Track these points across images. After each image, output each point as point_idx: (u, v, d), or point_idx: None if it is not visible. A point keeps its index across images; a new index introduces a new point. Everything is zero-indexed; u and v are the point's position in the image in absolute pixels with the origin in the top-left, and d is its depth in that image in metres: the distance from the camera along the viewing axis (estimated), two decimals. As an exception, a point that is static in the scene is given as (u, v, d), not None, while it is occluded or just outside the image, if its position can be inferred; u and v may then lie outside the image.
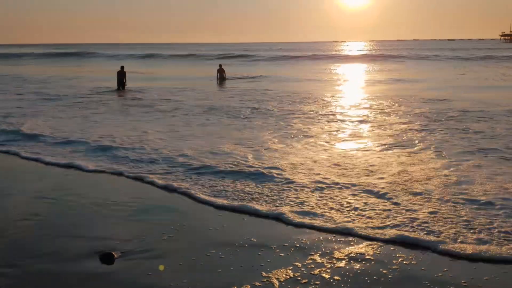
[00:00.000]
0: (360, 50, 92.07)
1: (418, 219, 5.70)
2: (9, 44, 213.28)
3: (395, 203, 6.23)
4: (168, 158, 8.74)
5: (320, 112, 14.45)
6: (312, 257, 4.80)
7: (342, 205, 6.24)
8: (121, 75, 22.87)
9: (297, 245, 5.09)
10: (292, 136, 10.83)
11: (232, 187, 7.08)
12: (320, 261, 4.71)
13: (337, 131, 11.53)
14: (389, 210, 6.03)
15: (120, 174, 8.02)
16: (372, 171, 7.74)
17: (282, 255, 4.87)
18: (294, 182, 7.20)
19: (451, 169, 7.79)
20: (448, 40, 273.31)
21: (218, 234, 5.47)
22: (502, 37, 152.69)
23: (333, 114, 14.05)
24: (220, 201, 6.52)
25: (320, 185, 7.04)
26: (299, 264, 4.64)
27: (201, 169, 7.99)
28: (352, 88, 23.01)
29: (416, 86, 22.65)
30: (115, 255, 4.79)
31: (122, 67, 23.40)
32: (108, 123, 12.95)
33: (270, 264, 4.65)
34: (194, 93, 20.74)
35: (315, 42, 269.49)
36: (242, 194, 6.74)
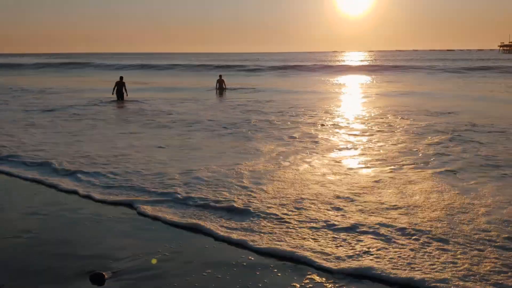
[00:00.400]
0: (361, 60, 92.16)
1: (447, 266, 4.75)
2: (9, 54, 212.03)
3: (415, 244, 5.30)
4: (156, 182, 7.96)
5: (324, 127, 13.95)
6: (310, 276, 4.63)
7: (348, 244, 5.39)
8: (120, 85, 22.76)
9: (295, 265, 4.92)
10: (297, 153, 10.19)
11: (225, 219, 6.26)
12: (319, 281, 4.54)
13: (343, 148, 10.89)
14: (411, 256, 5.02)
15: (88, 197, 7.72)
16: (383, 202, 6.78)
17: (280, 275, 4.69)
18: (298, 213, 6.44)
19: (473, 195, 7.01)
20: (448, 50, 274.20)
21: (213, 254, 5.28)
22: (501, 48, 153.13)
23: (338, 129, 13.63)
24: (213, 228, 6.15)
25: (323, 219, 6.18)
26: (298, 285, 4.47)
27: (188, 200, 7.02)
28: (356, 101, 22.63)
29: (421, 99, 22.24)
30: (105, 275, 4.61)
31: (121, 78, 23.34)
32: (100, 138, 12.76)
33: (268, 284, 4.48)
34: (194, 104, 20.59)
35: (315, 52, 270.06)
36: (234, 225, 6.04)
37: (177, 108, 18.98)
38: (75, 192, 7.66)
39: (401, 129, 13.25)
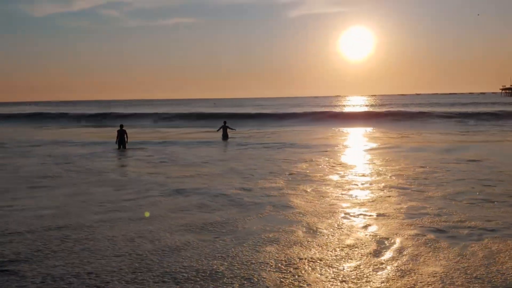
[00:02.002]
0: (368, 105, 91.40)
1: None
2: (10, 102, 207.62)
3: None
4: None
5: (348, 191, 12.31)
6: None
7: None
8: (122, 134, 23.09)
9: None
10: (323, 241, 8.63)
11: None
12: None
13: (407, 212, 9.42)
14: None
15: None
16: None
17: None
18: None
19: None
20: (450, 94, 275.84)
21: None
22: (503, 91, 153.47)
23: (367, 183, 12.13)
24: None
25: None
26: None
27: None
28: (375, 157, 20.99)
29: (447, 153, 20.64)
30: None
31: (121, 126, 23.76)
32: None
33: None
34: (199, 152, 19.00)
35: (319, 97, 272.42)
36: None
37: (183, 160, 17.33)
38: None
39: (453, 189, 11.41)
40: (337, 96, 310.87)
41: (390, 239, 7.81)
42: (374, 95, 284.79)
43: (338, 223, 8.92)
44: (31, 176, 15.09)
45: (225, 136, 28.18)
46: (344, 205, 10.43)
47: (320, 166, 16.28)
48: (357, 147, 22.93)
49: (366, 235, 8.11)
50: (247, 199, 11.01)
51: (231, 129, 29.48)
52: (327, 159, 18.31)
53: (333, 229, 8.47)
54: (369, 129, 36.10)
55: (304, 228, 8.53)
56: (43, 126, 48.38)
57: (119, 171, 16.48)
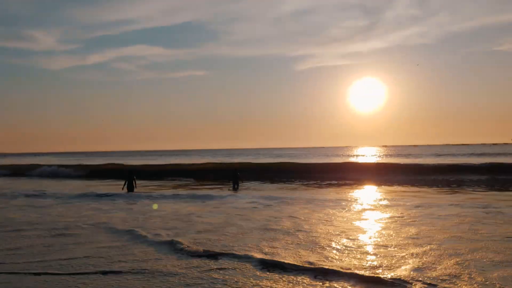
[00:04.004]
0: (381, 156, 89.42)
1: None
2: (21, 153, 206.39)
3: None
4: None
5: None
6: None
7: None
8: (130, 179, 25.07)
9: None
10: None
11: None
12: None
13: None
14: None
15: None
16: None
17: None
18: None
19: None
20: (463, 144, 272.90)
21: None
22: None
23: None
24: None
25: None
26: None
27: None
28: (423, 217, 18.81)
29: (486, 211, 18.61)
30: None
31: (130, 172, 25.53)
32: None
33: None
34: (201, 215, 16.93)
35: (328, 148, 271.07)
36: None
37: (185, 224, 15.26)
38: None
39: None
40: (347, 146, 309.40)
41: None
42: (386, 146, 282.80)
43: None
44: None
45: (235, 184, 27.17)
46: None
47: (379, 231, 14.18)
48: (394, 205, 20.72)
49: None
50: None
51: (241, 180, 28.08)
52: (369, 218, 16.20)
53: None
54: (395, 183, 33.94)
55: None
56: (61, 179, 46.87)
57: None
